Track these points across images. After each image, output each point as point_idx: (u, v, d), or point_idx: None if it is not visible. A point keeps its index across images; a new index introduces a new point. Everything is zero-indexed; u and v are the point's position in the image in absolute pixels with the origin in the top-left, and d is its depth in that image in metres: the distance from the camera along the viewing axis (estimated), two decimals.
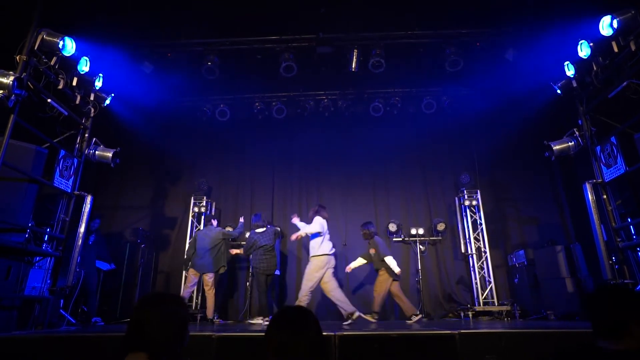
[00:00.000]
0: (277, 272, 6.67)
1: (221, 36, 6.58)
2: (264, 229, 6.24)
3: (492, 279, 7.17)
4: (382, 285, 5.89)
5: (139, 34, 6.36)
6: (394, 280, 5.88)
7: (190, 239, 7.58)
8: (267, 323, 5.54)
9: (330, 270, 5.45)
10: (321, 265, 5.39)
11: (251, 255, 6.24)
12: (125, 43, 6.25)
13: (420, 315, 5.84)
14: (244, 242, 6.69)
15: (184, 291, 6.44)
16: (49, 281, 4.98)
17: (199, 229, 7.12)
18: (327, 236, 5.60)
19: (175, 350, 1.42)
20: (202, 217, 7.74)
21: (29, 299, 4.59)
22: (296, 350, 1.30)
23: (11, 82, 4.08)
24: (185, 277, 7.02)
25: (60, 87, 5.11)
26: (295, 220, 5.87)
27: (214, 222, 6.77)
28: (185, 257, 6.61)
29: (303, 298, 5.36)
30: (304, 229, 5.53)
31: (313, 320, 1.39)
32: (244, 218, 6.90)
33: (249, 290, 7.19)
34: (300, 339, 1.32)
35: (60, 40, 4.66)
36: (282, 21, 6.41)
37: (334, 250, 5.58)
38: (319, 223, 5.51)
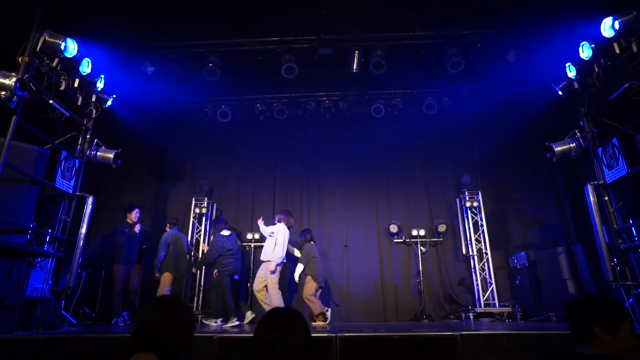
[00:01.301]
0: (236, 277, 6.68)
1: (223, 37, 6.59)
2: (229, 232, 6.40)
3: (493, 280, 7.15)
4: (309, 288, 6.14)
5: (141, 36, 6.37)
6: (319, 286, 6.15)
7: (191, 239, 7.58)
8: (232, 325, 5.56)
9: (273, 276, 6.03)
10: (271, 269, 5.97)
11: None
12: (127, 44, 6.27)
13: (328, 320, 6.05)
14: None
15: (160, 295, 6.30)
16: (50, 282, 4.99)
17: (167, 233, 6.64)
18: (283, 244, 6.14)
19: (185, 352, 1.46)
20: (204, 217, 7.75)
21: (31, 300, 4.60)
22: (285, 350, 1.31)
23: (13, 84, 4.10)
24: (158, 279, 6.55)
25: (62, 88, 5.13)
26: (260, 222, 6.66)
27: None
28: (160, 259, 6.25)
29: (276, 301, 5.90)
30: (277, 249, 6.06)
31: (302, 321, 1.41)
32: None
33: (250, 292, 7.20)
34: (290, 340, 1.33)
35: (62, 42, 4.69)
36: (284, 22, 6.42)
37: (283, 260, 6.22)
38: (271, 229, 6.18)
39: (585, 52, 5.05)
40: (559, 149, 5.85)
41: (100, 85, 5.72)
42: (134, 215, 6.63)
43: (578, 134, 5.74)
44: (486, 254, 7.33)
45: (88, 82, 5.56)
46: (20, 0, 4.96)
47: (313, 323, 6.01)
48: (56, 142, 5.21)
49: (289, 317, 1.41)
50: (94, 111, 5.89)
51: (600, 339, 1.60)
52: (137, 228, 6.50)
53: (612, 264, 4.98)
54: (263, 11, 6.18)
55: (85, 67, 5.27)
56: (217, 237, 6.21)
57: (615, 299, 1.78)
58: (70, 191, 5.41)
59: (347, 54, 6.70)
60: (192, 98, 7.82)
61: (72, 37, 4.83)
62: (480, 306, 6.97)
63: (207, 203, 7.79)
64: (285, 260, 6.32)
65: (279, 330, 1.35)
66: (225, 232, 6.32)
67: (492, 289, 7.11)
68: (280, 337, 1.33)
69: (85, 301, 6.29)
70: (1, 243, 4.07)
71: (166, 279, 6.25)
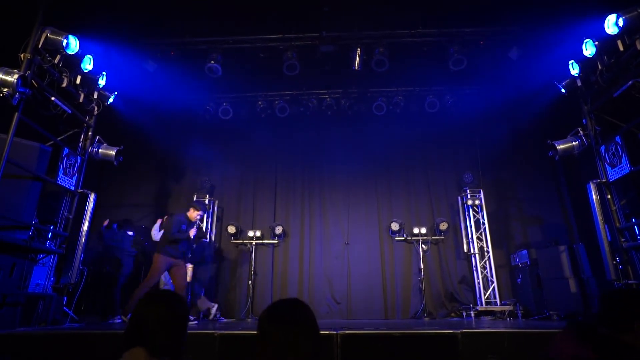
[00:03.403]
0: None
1: (224, 34, 6.57)
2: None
3: (494, 279, 7.14)
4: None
5: (143, 33, 6.36)
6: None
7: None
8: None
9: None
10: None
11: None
12: (129, 41, 6.26)
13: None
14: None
15: None
16: (52, 278, 5.01)
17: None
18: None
19: (175, 348, 1.45)
20: (205, 215, 7.76)
21: (33, 296, 4.62)
22: (296, 344, 1.25)
23: (15, 80, 4.11)
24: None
25: (64, 85, 5.13)
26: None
27: None
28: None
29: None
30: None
31: (310, 313, 1.35)
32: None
33: (251, 289, 7.22)
34: (302, 333, 1.28)
35: (64, 39, 4.68)
36: (286, 20, 6.40)
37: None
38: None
39: (589, 49, 5.02)
40: (561, 147, 5.82)
41: (101, 82, 5.72)
42: (196, 215, 5.59)
43: (581, 132, 5.71)
44: (487, 252, 7.32)
45: (90, 79, 5.57)
46: None
47: None
48: (58, 139, 5.21)
49: (297, 309, 1.35)
50: (96, 108, 5.90)
51: (637, 332, 1.62)
52: (192, 232, 5.46)
53: (614, 262, 4.96)
54: (265, 8, 6.16)
55: (87, 64, 5.27)
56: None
57: None
58: (72, 188, 5.42)
59: (349, 52, 6.68)
60: (194, 95, 7.82)
61: (73, 34, 4.82)
62: (482, 304, 6.97)
63: (209, 200, 7.80)
64: (190, 256, 6.34)
65: (289, 323, 1.29)
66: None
67: (494, 287, 7.10)
68: (290, 332, 1.27)
69: (86, 298, 6.30)
70: (4, 239, 4.08)
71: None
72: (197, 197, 7.75)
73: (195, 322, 5.63)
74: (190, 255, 6.50)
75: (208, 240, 7.37)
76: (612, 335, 1.65)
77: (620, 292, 1.83)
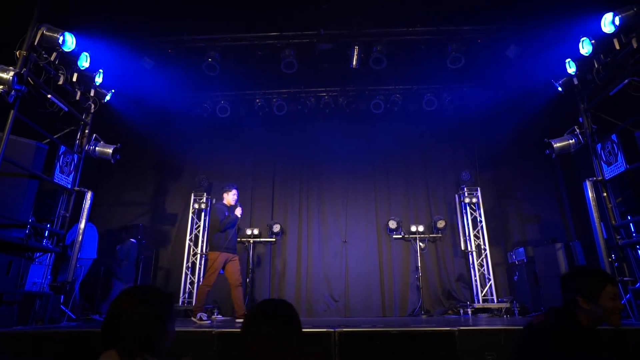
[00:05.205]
0: None
1: (222, 32, 6.55)
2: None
3: (491, 276, 7.18)
4: None
5: (140, 30, 6.33)
6: None
7: (190, 235, 7.61)
8: None
9: None
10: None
11: None
12: (126, 39, 6.22)
13: None
14: None
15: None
16: (49, 277, 5.00)
17: None
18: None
19: (148, 347, 1.33)
20: (202, 213, 7.75)
21: (30, 294, 4.61)
22: (278, 343, 1.28)
23: (11, 78, 4.08)
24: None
25: (61, 82, 5.11)
26: None
27: None
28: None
29: None
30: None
31: (293, 313, 1.38)
32: None
33: (249, 287, 7.22)
34: (282, 332, 1.30)
35: (60, 36, 4.66)
36: (283, 17, 6.39)
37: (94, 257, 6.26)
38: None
39: (585, 48, 5.03)
40: (558, 145, 5.85)
41: (98, 79, 5.69)
42: (232, 196, 5.63)
43: (577, 130, 5.74)
44: (485, 250, 7.35)
45: (86, 77, 5.53)
46: None
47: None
48: (55, 136, 5.19)
49: (279, 308, 1.38)
50: (93, 106, 5.87)
51: (584, 307, 1.76)
52: (238, 211, 5.41)
53: (610, 259, 5.00)
54: (263, 6, 6.14)
55: (84, 62, 5.24)
56: None
57: (599, 267, 1.93)
58: (69, 186, 5.40)
59: (346, 49, 6.67)
60: (192, 93, 7.80)
61: (70, 31, 4.80)
62: (479, 302, 7.00)
63: (207, 198, 7.78)
64: (96, 257, 6.29)
65: (272, 323, 1.31)
66: None
67: (491, 284, 7.14)
68: (272, 329, 1.30)
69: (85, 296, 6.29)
70: (0, 238, 4.07)
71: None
72: (194, 195, 7.74)
73: (209, 321, 5.22)
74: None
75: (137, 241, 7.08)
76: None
77: (566, 274, 2.02)
